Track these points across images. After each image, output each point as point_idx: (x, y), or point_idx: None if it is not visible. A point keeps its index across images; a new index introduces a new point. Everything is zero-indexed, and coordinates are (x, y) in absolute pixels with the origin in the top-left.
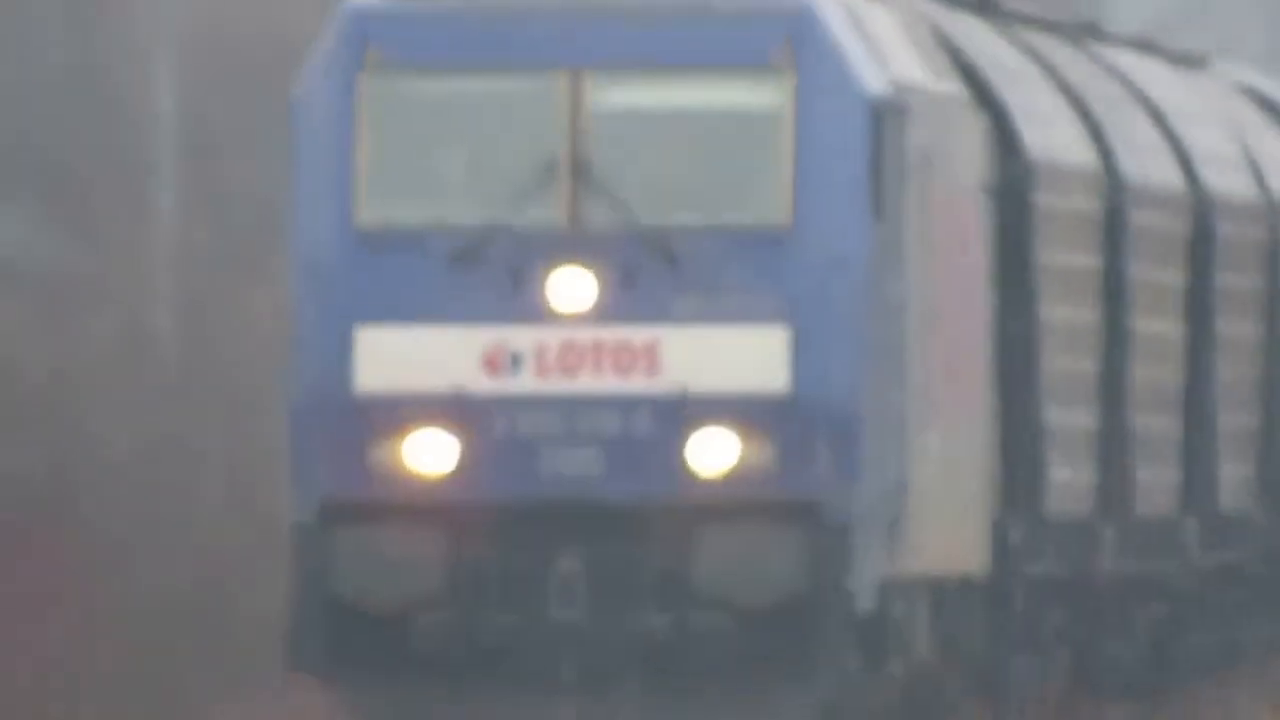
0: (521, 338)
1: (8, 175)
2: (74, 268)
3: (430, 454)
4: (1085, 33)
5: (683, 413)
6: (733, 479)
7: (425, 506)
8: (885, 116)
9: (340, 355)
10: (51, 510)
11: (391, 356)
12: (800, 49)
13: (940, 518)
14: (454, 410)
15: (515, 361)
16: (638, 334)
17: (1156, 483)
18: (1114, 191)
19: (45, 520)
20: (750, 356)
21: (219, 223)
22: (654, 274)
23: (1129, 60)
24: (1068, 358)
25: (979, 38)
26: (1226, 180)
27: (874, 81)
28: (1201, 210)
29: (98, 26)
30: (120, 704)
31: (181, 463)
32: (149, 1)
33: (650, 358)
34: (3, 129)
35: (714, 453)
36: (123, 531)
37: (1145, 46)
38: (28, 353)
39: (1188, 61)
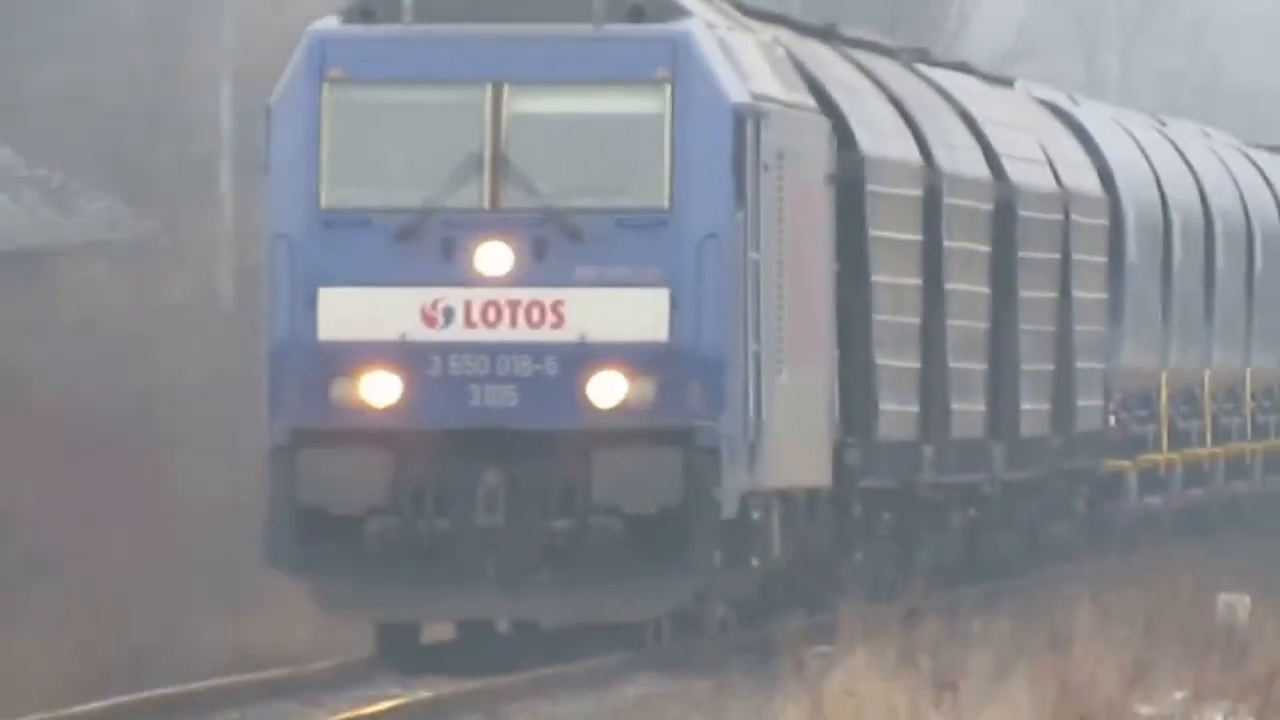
0: (452, 296)
1: (104, 172)
2: (155, 243)
3: (379, 390)
4: (914, 57)
5: (582, 358)
6: (622, 411)
7: (375, 432)
8: (746, 121)
9: (306, 311)
10: (138, 430)
11: (347, 312)
12: (678, 67)
13: (790, 442)
14: (398, 355)
15: (447, 316)
16: (546, 294)
17: (967, 413)
18: (931, 180)
19: (134, 438)
20: (637, 313)
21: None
22: (560, 247)
23: (947, 78)
24: (894, 313)
25: (824, 59)
26: (1026, 172)
27: (737, 93)
28: (1005, 195)
29: (177, 61)
30: (194, 576)
31: (237, 392)
32: (214, 39)
33: (557, 313)
34: (99, 137)
35: (607, 390)
36: (193, 446)
37: (962, 68)
38: (119, 308)
39: (997, 80)
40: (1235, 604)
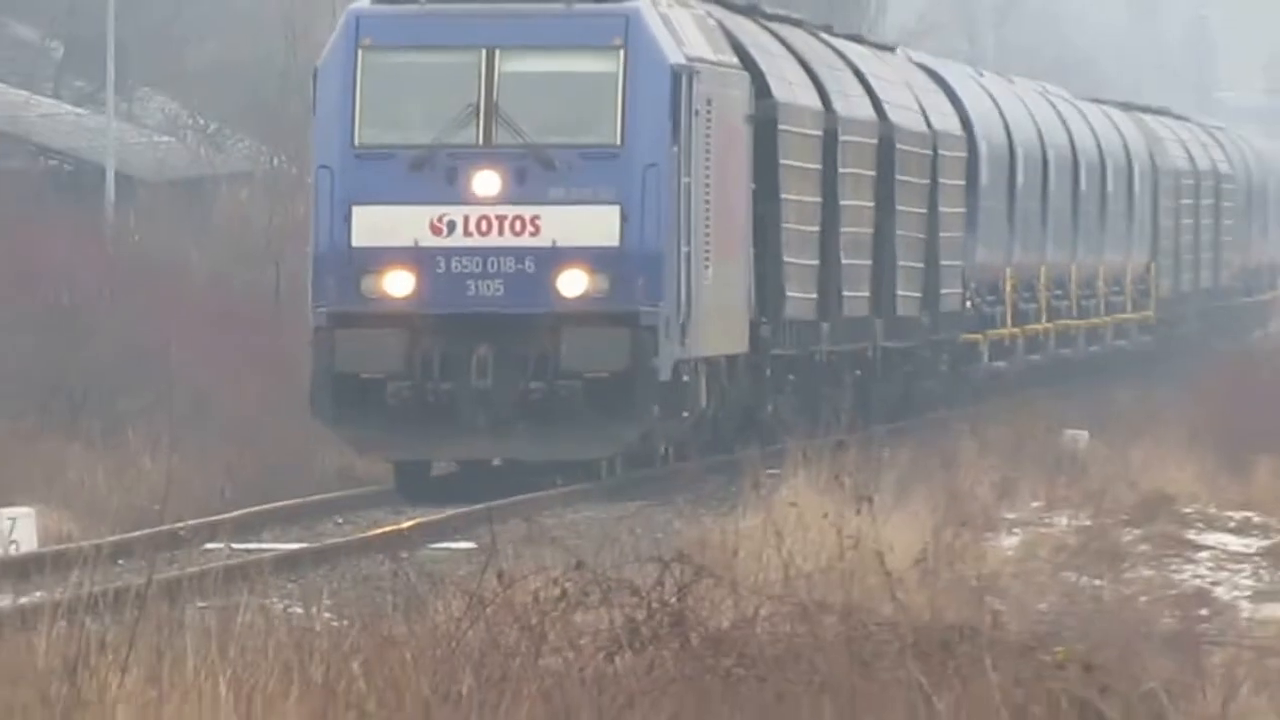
0: (454, 213)
1: (247, 119)
2: (284, 173)
3: (397, 284)
4: (819, 29)
5: (553, 259)
6: (583, 299)
7: (394, 316)
8: (680, 77)
9: (343, 224)
10: (269, 311)
11: (373, 224)
12: (629, 36)
13: (715, 321)
14: (412, 257)
15: (450, 227)
16: (526, 210)
17: (855, 298)
18: (829, 122)
19: (265, 317)
20: (595, 224)
21: None
22: (536, 174)
23: (844, 45)
24: (799, 223)
25: (748, 29)
26: (902, 116)
27: (674, 55)
28: (886, 133)
29: (301, 45)
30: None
31: None
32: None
33: (534, 225)
34: (243, 92)
35: (572, 283)
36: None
37: (855, 38)
38: (258, 222)
39: (882, 47)
40: (1077, 437)
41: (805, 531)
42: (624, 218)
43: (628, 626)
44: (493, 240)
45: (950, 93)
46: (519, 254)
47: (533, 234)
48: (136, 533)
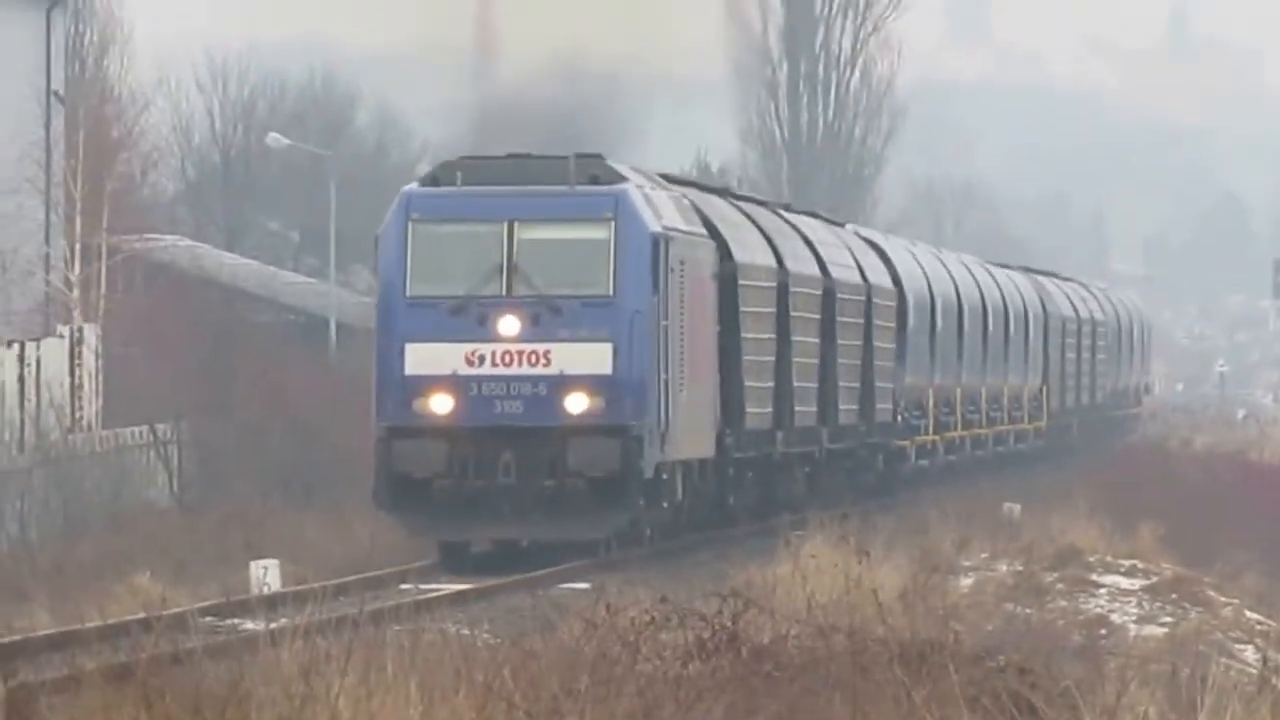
0: (484, 348)
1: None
2: None
3: (440, 404)
4: (780, 206)
5: (561, 384)
6: (585, 415)
7: (437, 429)
8: (659, 243)
9: (398, 356)
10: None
11: (422, 357)
12: (618, 210)
13: (688, 432)
14: (452, 383)
15: (481, 359)
16: (540, 346)
17: (804, 411)
18: (781, 276)
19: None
20: (593, 357)
21: None
22: (548, 318)
23: (799, 219)
24: (757, 354)
25: (717, 206)
26: (842, 273)
27: (654, 225)
28: (829, 285)
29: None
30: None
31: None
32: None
33: (546, 358)
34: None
35: (576, 402)
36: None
37: (811, 214)
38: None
39: (833, 222)
40: (1012, 508)
41: (822, 575)
42: (615, 352)
43: (697, 642)
44: (514, 370)
45: (885, 257)
46: (534, 380)
47: (545, 365)
48: (351, 577)
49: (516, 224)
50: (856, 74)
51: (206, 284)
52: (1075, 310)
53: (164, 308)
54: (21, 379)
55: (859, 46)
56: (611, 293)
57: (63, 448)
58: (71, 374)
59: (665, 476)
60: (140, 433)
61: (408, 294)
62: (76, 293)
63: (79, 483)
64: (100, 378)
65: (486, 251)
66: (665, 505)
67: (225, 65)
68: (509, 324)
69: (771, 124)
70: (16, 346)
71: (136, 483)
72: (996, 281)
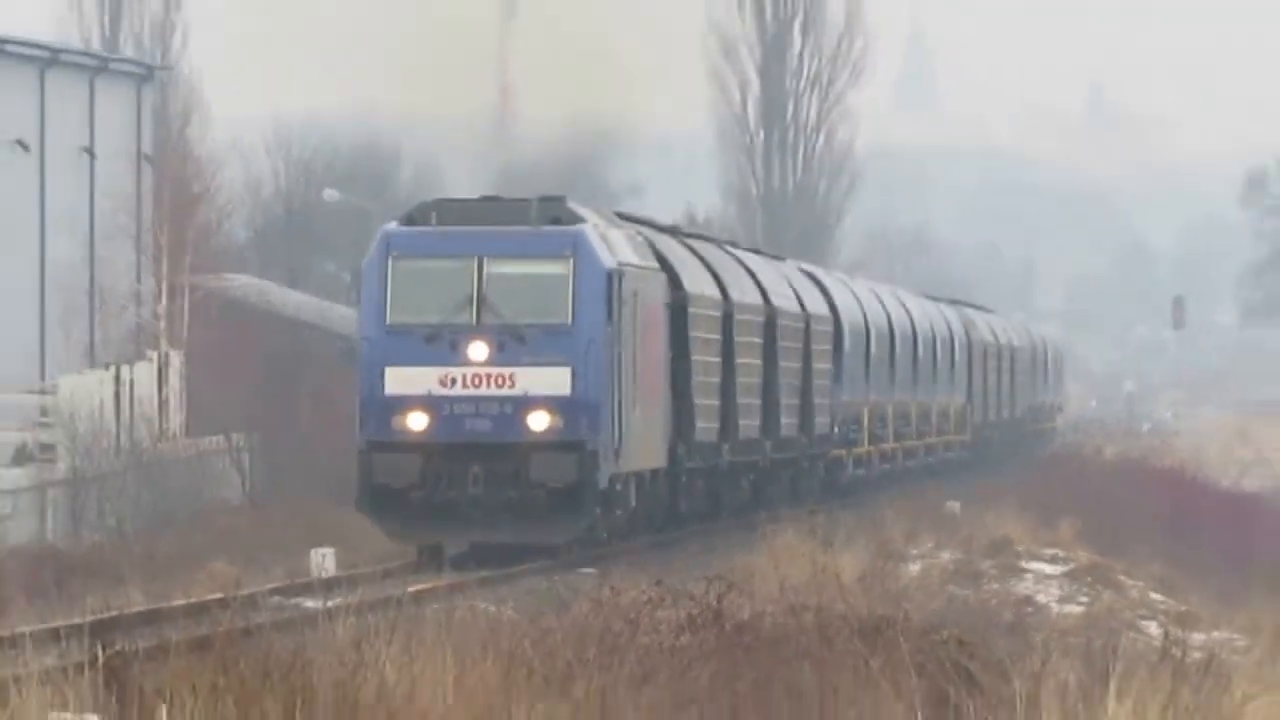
0: (455, 372)
1: None
2: None
3: (416, 421)
4: (726, 243)
5: (525, 404)
6: (546, 432)
7: (413, 444)
8: (613, 277)
9: (379, 378)
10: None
11: (400, 379)
12: (576, 248)
13: (640, 445)
14: (426, 403)
15: (453, 381)
16: (505, 370)
17: (749, 425)
18: (726, 306)
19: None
20: (553, 380)
21: None
22: (512, 345)
23: (744, 255)
24: (705, 375)
25: (668, 243)
26: (783, 302)
27: (609, 262)
28: (770, 314)
29: None
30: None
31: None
32: None
33: (511, 380)
34: None
35: (538, 420)
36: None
37: (754, 250)
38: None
39: (774, 257)
40: (953, 505)
41: (793, 562)
42: (574, 375)
43: (687, 619)
44: (483, 390)
45: (823, 289)
46: (500, 400)
47: (510, 386)
48: (396, 563)
49: (485, 259)
50: (821, 139)
51: (272, 317)
52: (996, 338)
53: (236, 336)
54: (117, 396)
55: (823, 116)
56: (570, 322)
57: (152, 454)
58: (159, 392)
59: (619, 487)
60: (217, 441)
61: (388, 322)
62: (163, 324)
63: (165, 484)
64: (183, 395)
65: (458, 284)
66: (619, 512)
67: (288, 131)
68: (478, 349)
69: (749, 182)
70: (113, 369)
71: (214, 484)
72: (926, 312)
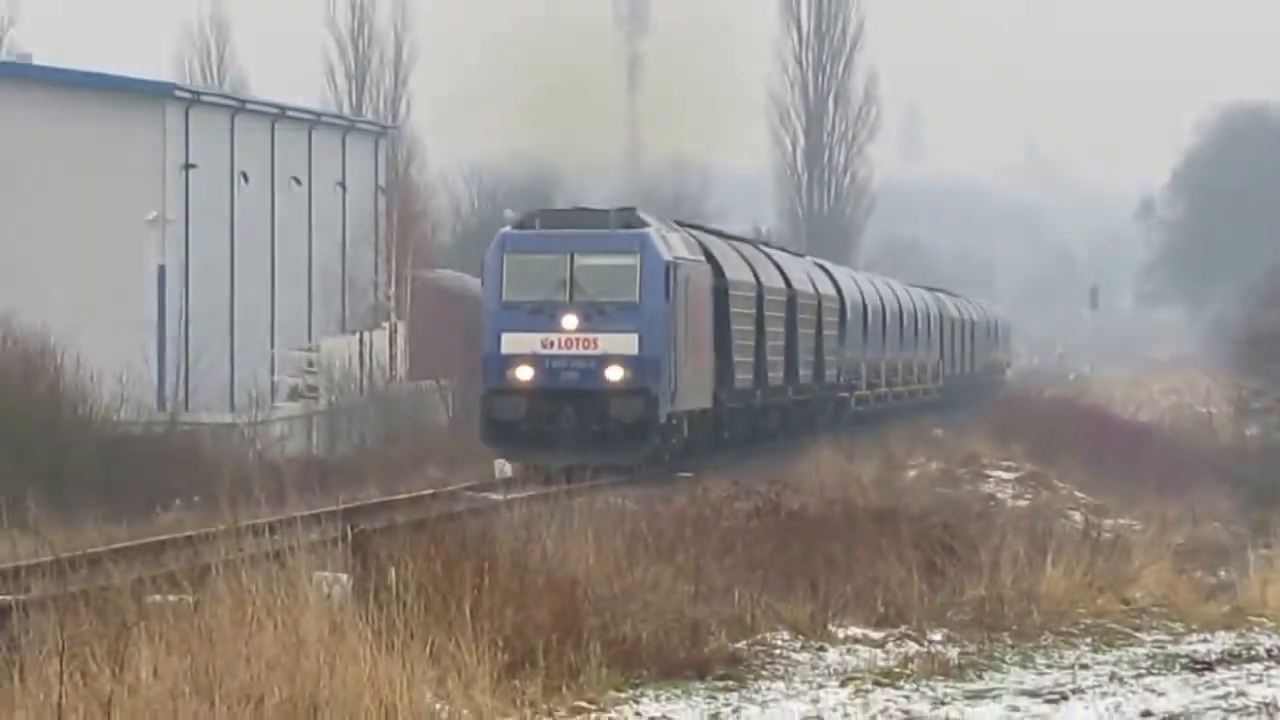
0: (553, 336)
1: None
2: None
3: (524, 373)
4: (760, 242)
5: (604, 360)
6: (620, 381)
7: (523, 390)
8: (670, 267)
9: (497, 341)
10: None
11: (513, 342)
12: (642, 246)
13: (690, 391)
14: (532, 359)
15: (551, 344)
16: (590, 335)
17: (775, 376)
18: (758, 288)
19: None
20: (625, 342)
21: None
22: (596, 316)
23: (772, 251)
24: (741, 340)
25: (714, 242)
26: (801, 286)
27: (666, 255)
28: (791, 295)
29: None
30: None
31: None
32: None
33: (594, 342)
34: None
35: (614, 373)
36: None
37: (781, 248)
38: None
39: (795, 253)
40: (938, 431)
41: (827, 469)
42: (640, 339)
43: (755, 509)
44: (573, 350)
45: (832, 277)
46: (586, 358)
47: (594, 347)
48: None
49: (575, 254)
50: (848, 178)
51: (466, 298)
52: (961, 313)
53: (442, 311)
54: (361, 353)
55: (849, 162)
56: (637, 300)
57: (384, 392)
58: (390, 349)
59: (674, 422)
60: (429, 384)
61: (503, 299)
62: (393, 303)
63: (394, 413)
64: (406, 352)
65: (556, 272)
66: (674, 441)
67: (478, 167)
68: (570, 320)
69: (797, 206)
70: (358, 334)
71: (427, 413)
72: (910, 295)
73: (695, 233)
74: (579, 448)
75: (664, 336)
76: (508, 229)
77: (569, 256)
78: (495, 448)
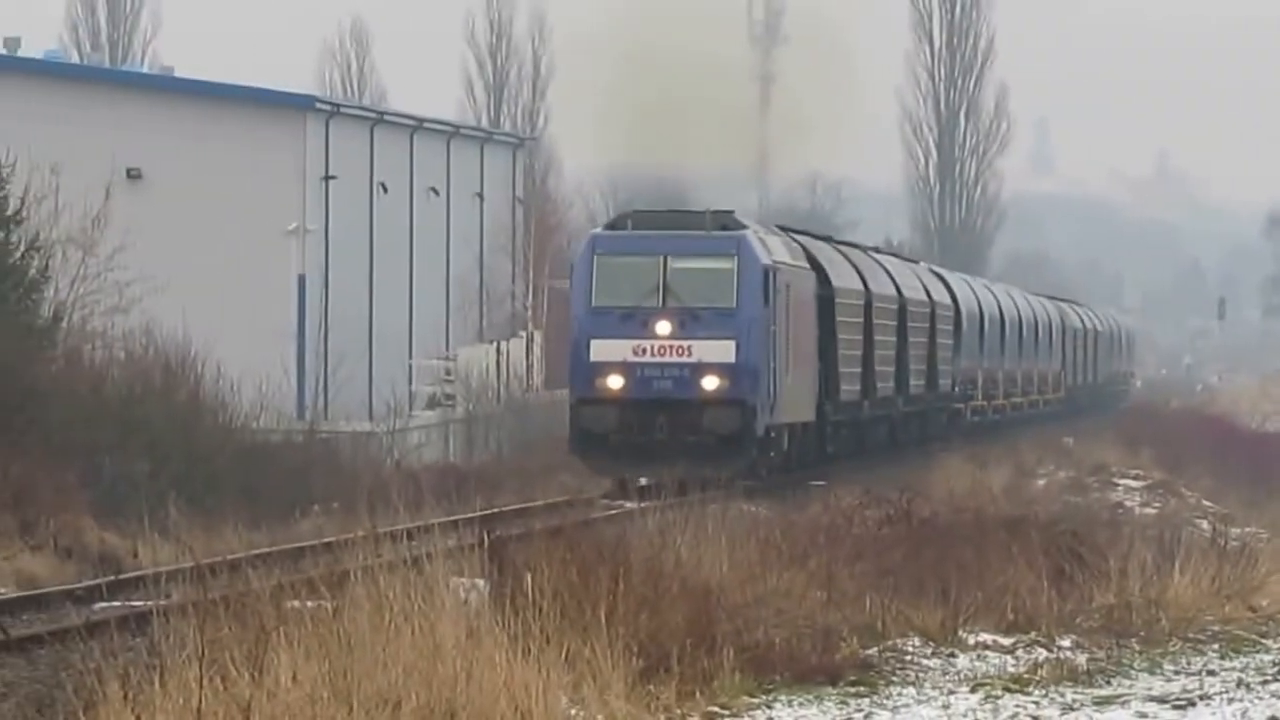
0: (646, 343)
1: None
2: None
3: (615, 382)
4: (870, 248)
5: (699, 368)
6: (716, 392)
7: (613, 400)
8: (769, 272)
9: (586, 348)
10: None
11: (603, 349)
12: (740, 249)
13: (791, 403)
14: (623, 368)
15: (643, 351)
16: (684, 343)
17: (884, 386)
18: (867, 295)
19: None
20: (721, 350)
21: None
22: (690, 322)
23: (882, 256)
24: (848, 350)
25: (820, 247)
26: (912, 294)
27: (765, 259)
28: (902, 303)
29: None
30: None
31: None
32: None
33: (689, 350)
34: None
35: (710, 382)
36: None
37: (894, 252)
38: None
39: (909, 259)
40: (1068, 440)
41: (957, 477)
42: (737, 347)
43: (886, 517)
44: (667, 358)
45: (948, 285)
46: (680, 366)
47: (688, 355)
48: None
49: (669, 257)
50: (979, 191)
51: None
52: (1083, 323)
53: None
54: (498, 362)
55: (980, 175)
56: (734, 305)
57: (521, 401)
58: (526, 358)
59: (773, 435)
60: (566, 393)
61: (593, 304)
62: (529, 312)
63: (530, 421)
64: (543, 360)
65: (648, 276)
66: (773, 454)
67: (613, 178)
68: (663, 326)
69: (929, 219)
70: (495, 343)
71: (563, 422)
72: (1030, 304)
73: (799, 237)
74: (671, 460)
75: (762, 344)
76: (598, 230)
77: (662, 259)
78: (584, 460)
